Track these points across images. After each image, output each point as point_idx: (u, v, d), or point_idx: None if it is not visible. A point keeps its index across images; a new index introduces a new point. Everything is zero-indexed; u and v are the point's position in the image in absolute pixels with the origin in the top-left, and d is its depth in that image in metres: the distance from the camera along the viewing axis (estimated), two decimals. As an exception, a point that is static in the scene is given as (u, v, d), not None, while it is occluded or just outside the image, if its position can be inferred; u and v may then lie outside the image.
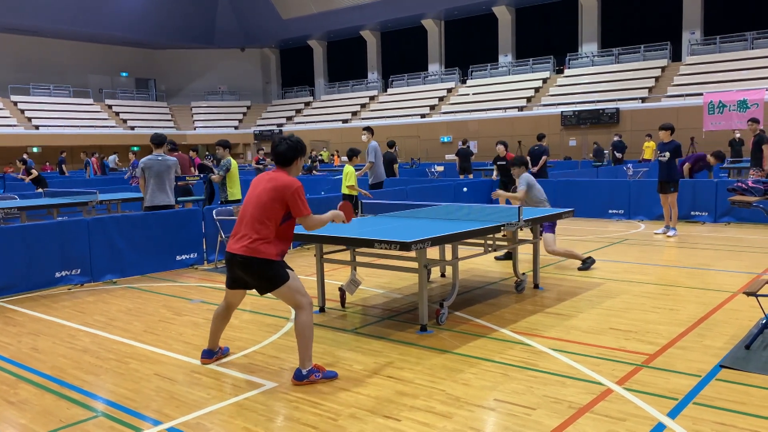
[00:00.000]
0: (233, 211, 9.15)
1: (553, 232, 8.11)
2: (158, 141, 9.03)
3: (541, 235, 7.50)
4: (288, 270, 4.54)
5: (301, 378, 4.46)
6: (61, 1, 36.24)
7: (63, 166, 26.65)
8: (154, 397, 4.35)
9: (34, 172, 17.76)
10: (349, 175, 10.39)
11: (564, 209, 7.52)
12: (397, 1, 36.72)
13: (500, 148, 13.27)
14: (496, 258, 8.91)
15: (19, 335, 5.95)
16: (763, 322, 5.04)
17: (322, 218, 4.63)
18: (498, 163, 13.38)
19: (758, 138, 12.23)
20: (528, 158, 16.38)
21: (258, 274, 4.45)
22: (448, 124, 33.91)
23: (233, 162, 10.17)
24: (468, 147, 19.35)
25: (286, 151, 4.54)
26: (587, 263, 8.12)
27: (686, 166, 13.51)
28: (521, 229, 6.60)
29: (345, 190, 10.43)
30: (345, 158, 11.05)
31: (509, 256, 8.71)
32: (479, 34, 38.55)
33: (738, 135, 21.69)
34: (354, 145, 13.81)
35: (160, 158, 8.92)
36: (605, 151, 23.67)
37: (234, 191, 10.16)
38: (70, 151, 28.98)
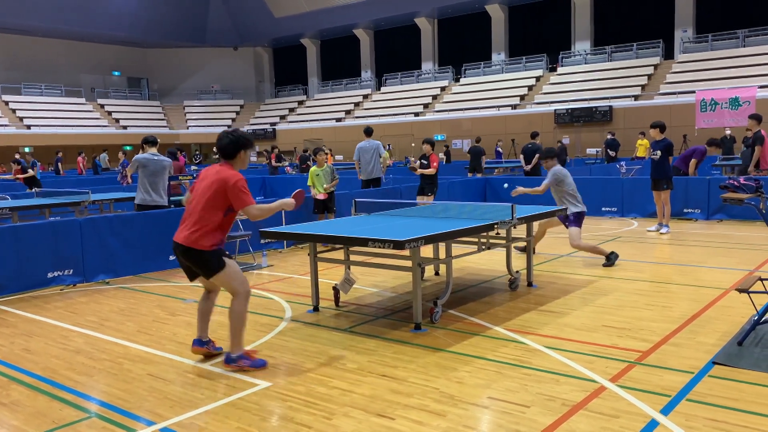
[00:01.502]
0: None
1: (580, 226, 8.10)
2: (153, 140, 9.24)
3: (567, 228, 7.85)
4: (226, 258, 4.71)
5: (230, 362, 4.70)
6: (53, 0, 36.05)
7: (60, 165, 26.84)
8: (147, 397, 4.34)
9: (31, 172, 17.67)
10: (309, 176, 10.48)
11: (557, 207, 7.54)
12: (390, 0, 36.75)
13: (426, 147, 11.55)
14: (516, 247, 8.74)
15: (12, 336, 5.92)
16: (755, 318, 5.06)
17: (269, 207, 4.77)
18: (422, 161, 11.64)
19: (753, 138, 12.21)
20: (522, 155, 16.47)
21: (195, 262, 4.69)
22: (442, 123, 33.95)
23: None
24: (480, 145, 19.14)
25: (227, 145, 4.69)
26: (611, 259, 8.08)
27: (693, 162, 13.14)
28: (515, 227, 6.61)
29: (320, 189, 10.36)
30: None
31: (524, 250, 8.74)
32: (472, 32, 38.60)
33: (729, 132, 21.79)
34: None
35: (156, 158, 9.08)
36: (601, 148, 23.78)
37: None
38: (64, 151, 28.97)
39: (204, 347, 5.03)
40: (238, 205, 4.58)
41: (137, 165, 9.06)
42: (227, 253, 4.79)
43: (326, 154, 10.63)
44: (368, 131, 12.89)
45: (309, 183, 10.47)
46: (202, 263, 4.65)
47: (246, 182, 4.63)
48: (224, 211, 4.62)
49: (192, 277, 4.90)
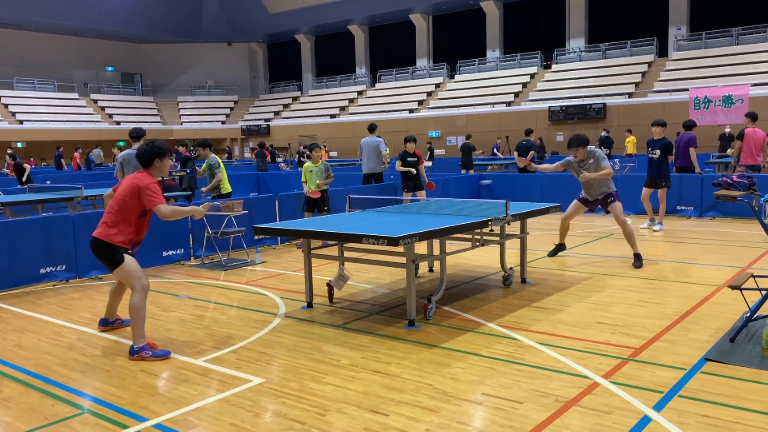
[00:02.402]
0: (220, 206, 9.11)
1: (620, 201, 8.19)
2: (137, 135, 8.89)
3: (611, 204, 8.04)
4: (126, 255, 5.09)
5: (133, 353, 5.01)
6: (45, -5, 35.86)
7: (62, 160, 27.03)
8: (140, 393, 4.33)
9: (27, 167, 17.59)
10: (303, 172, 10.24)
11: (551, 204, 7.55)
12: (384, -4, 36.73)
13: (410, 145, 11.65)
14: (549, 254, 8.72)
15: (4, 332, 5.89)
16: (747, 315, 5.09)
17: (180, 210, 5.24)
18: (409, 159, 11.69)
19: (738, 134, 12.28)
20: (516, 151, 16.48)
21: (100, 255, 5.14)
22: (437, 119, 33.93)
23: (218, 158, 10.33)
24: (470, 142, 19.13)
25: (142, 154, 5.19)
26: (639, 260, 7.92)
27: (692, 151, 12.75)
28: (509, 224, 6.62)
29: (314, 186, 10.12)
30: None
31: (560, 248, 8.72)
32: (467, 29, 38.58)
33: (728, 130, 21.88)
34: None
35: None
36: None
37: (225, 185, 10.28)
38: (56, 146, 29.01)
39: (109, 326, 5.81)
40: (149, 204, 5.02)
41: (121, 162, 8.81)
42: (131, 251, 5.21)
43: (321, 150, 10.45)
44: (371, 127, 13.04)
45: (302, 180, 10.13)
46: (107, 256, 5.10)
47: (157, 186, 5.12)
48: (138, 212, 5.11)
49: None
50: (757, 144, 11.78)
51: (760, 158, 11.83)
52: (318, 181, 9.98)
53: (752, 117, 12.00)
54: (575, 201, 8.47)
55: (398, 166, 11.67)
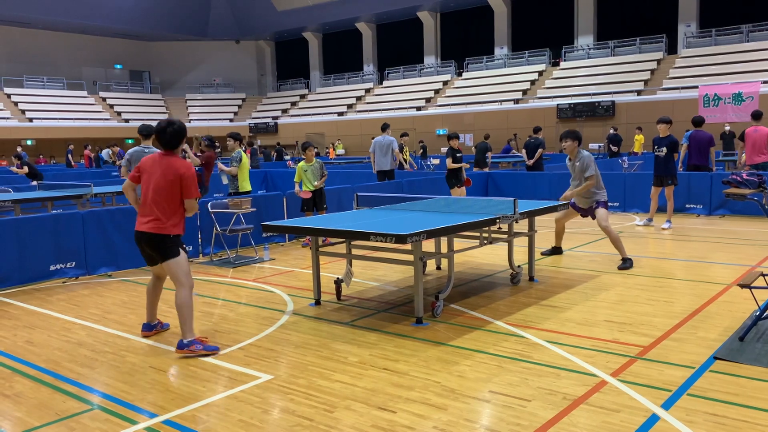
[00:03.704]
0: (228, 203, 9.13)
1: (607, 209, 8.00)
2: (147, 132, 8.67)
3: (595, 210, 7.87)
4: (181, 249, 5.11)
5: (182, 347, 5.00)
6: (54, -7, 36.04)
7: (70, 157, 27.32)
8: (149, 389, 4.35)
9: (25, 169, 17.66)
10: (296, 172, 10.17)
11: (559, 202, 7.53)
12: (392, -7, 36.68)
13: (455, 141, 11.89)
14: (543, 253, 8.70)
15: (14, 328, 5.94)
16: (757, 314, 5.06)
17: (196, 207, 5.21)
18: (458, 155, 11.91)
19: (741, 133, 12.28)
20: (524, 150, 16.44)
21: (157, 248, 5.08)
22: (444, 117, 33.88)
23: (244, 154, 10.00)
24: (488, 143, 18.97)
25: (175, 133, 5.06)
26: (627, 263, 7.77)
27: (713, 150, 12.18)
28: (516, 222, 6.61)
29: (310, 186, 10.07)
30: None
31: (556, 251, 8.71)
32: (475, 26, 38.49)
33: (728, 128, 21.75)
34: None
35: (147, 150, 8.59)
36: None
37: (244, 184, 10.01)
38: (65, 143, 29.27)
39: (152, 331, 5.59)
40: (189, 195, 5.03)
41: (128, 160, 8.60)
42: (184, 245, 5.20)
43: (316, 149, 10.35)
44: (384, 126, 13.22)
45: (296, 179, 10.04)
46: (164, 249, 5.04)
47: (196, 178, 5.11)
48: (181, 200, 5.08)
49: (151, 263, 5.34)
50: (759, 142, 11.75)
51: (764, 156, 11.74)
52: (315, 183, 9.92)
53: (754, 116, 12.08)
54: (569, 206, 8.23)
55: (449, 164, 11.70)
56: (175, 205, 5.01)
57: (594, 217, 8.07)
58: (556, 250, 8.74)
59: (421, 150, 27.34)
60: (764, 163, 11.74)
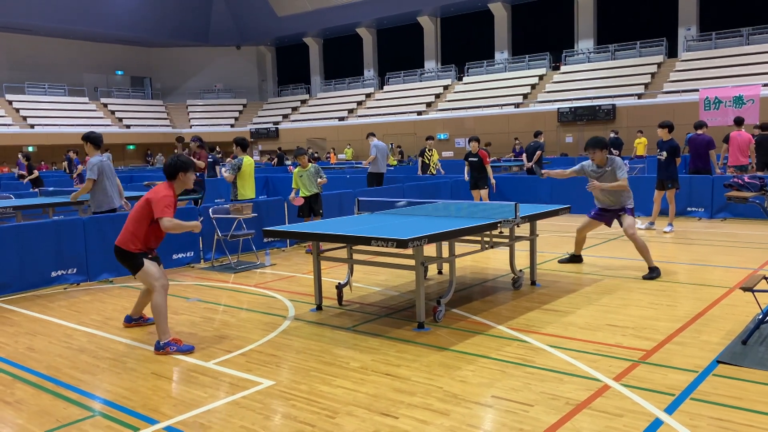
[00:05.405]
0: (229, 209, 9.14)
1: (633, 215, 7.76)
2: (101, 141, 8.09)
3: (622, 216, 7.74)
4: (145, 259, 5.36)
5: (158, 348, 5.24)
6: (56, 0, 36.10)
7: (66, 164, 27.31)
8: (151, 396, 4.34)
9: (35, 173, 17.66)
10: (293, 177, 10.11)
11: (560, 206, 7.52)
12: (392, -2, 36.75)
13: (473, 144, 12.53)
14: (560, 261, 8.46)
15: (16, 335, 5.93)
16: (760, 317, 5.05)
17: (180, 224, 5.30)
18: (470, 159, 12.49)
19: (725, 136, 13.40)
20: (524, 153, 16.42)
21: (122, 262, 5.44)
22: (445, 122, 33.89)
23: (246, 161, 9.83)
24: (488, 149, 19.05)
25: (168, 166, 5.42)
26: (654, 273, 7.44)
27: (713, 153, 12.22)
28: (518, 226, 6.60)
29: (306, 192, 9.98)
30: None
31: (575, 258, 8.39)
32: (475, 30, 38.54)
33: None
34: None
35: (105, 159, 8.19)
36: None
37: (244, 191, 9.82)
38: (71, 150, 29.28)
39: (132, 323, 6.06)
40: (155, 214, 5.23)
41: (97, 170, 7.98)
42: (150, 255, 5.45)
43: (314, 156, 10.37)
44: (372, 133, 14.10)
45: (293, 186, 9.98)
46: (127, 263, 5.40)
47: (172, 199, 5.32)
48: (149, 220, 5.32)
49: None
50: (742, 146, 12.56)
51: (747, 159, 12.60)
52: (312, 188, 9.81)
53: (737, 122, 12.98)
54: (589, 218, 8.01)
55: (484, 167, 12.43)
56: (142, 227, 5.32)
57: (621, 224, 7.76)
58: (576, 258, 8.40)
59: (399, 154, 27.36)
60: (745, 166, 12.54)
